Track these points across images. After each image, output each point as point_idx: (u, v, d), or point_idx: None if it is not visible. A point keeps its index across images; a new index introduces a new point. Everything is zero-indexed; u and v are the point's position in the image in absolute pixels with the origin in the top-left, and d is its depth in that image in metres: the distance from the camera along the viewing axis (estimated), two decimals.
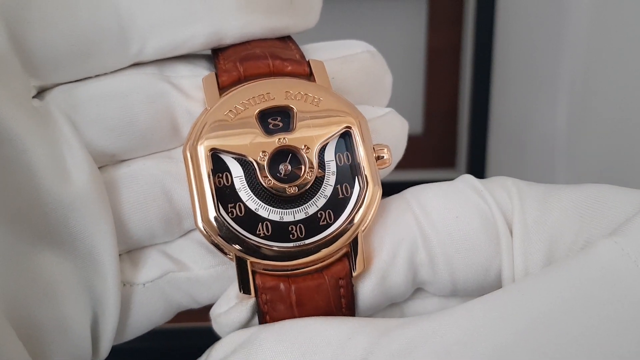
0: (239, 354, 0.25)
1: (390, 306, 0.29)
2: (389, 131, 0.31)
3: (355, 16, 1.03)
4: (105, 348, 0.29)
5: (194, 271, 0.29)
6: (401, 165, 0.32)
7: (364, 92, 0.31)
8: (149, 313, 0.29)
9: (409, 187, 0.29)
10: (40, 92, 0.29)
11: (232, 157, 0.27)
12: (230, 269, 0.28)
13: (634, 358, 0.21)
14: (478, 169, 0.99)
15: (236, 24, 0.29)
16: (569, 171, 0.83)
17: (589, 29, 0.78)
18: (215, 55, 0.30)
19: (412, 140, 0.33)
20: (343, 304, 0.27)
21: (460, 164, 1.07)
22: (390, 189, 0.29)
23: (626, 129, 0.72)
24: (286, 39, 0.31)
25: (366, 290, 0.27)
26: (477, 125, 1.00)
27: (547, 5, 0.86)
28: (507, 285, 0.25)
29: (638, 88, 0.70)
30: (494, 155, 1.00)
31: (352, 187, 0.27)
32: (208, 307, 0.29)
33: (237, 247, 0.26)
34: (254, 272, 0.26)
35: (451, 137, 1.08)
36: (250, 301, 0.27)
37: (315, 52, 0.31)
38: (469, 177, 0.28)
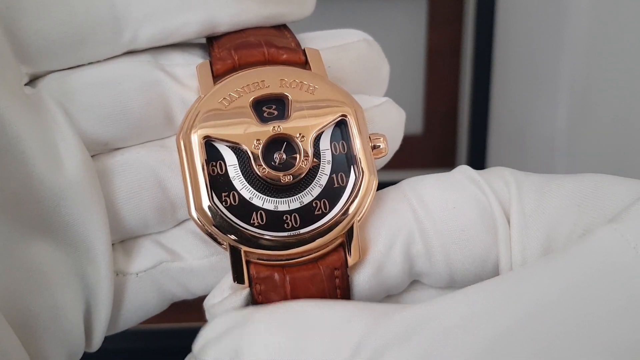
0: (231, 335, 0.25)
1: (386, 298, 0.28)
2: (385, 121, 0.30)
3: (355, 16, 1.03)
4: (98, 338, 0.29)
5: (187, 261, 0.29)
6: (401, 165, 0.32)
7: (361, 81, 0.31)
8: (142, 303, 0.29)
9: None
10: (33, 80, 0.29)
11: (226, 146, 0.27)
12: (224, 259, 0.28)
13: (635, 345, 0.21)
14: (478, 169, 0.99)
15: (230, 12, 0.29)
16: (568, 171, 0.83)
17: (589, 29, 0.77)
18: (210, 44, 0.30)
19: (412, 140, 0.33)
20: (338, 294, 0.26)
21: (460, 164, 1.06)
22: None
23: (626, 129, 0.72)
24: (282, 28, 0.31)
25: (362, 280, 0.27)
26: (477, 125, 1.00)
27: (547, 5, 0.86)
28: (507, 272, 0.25)
29: (638, 88, 0.70)
30: (494, 156, 1.00)
31: (348, 176, 0.27)
32: None
33: (231, 236, 0.26)
34: (248, 262, 0.26)
35: (451, 137, 1.09)
36: (244, 292, 0.26)
37: (311, 40, 0.31)
38: (466, 168, 0.28)
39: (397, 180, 0.28)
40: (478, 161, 1.00)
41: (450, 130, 1.08)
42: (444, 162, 1.09)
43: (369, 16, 1.04)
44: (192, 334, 0.26)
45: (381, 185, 0.28)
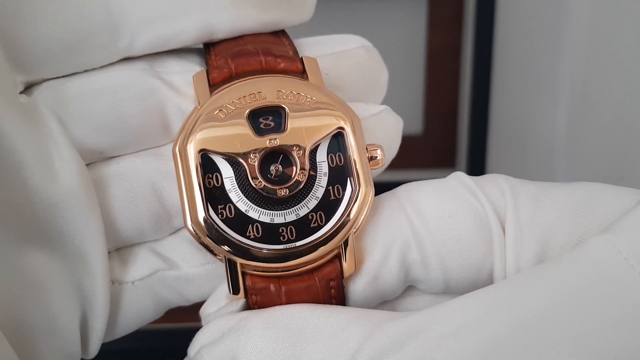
0: (227, 340, 0.25)
1: (381, 304, 0.28)
2: (383, 130, 0.30)
3: (355, 16, 1.03)
4: (94, 346, 0.29)
5: (183, 269, 0.29)
6: (401, 165, 0.32)
7: (359, 88, 0.31)
8: (138, 311, 0.29)
9: None
10: (28, 88, 0.28)
11: (222, 158, 0.27)
12: (220, 266, 0.28)
13: (625, 355, 0.21)
14: (478, 169, 0.99)
15: (228, 18, 0.29)
16: (568, 171, 0.83)
17: (589, 29, 0.77)
18: (207, 51, 0.30)
19: (412, 140, 0.32)
20: (333, 304, 0.26)
21: (460, 164, 1.07)
22: (389, 189, 0.29)
23: (626, 129, 0.72)
24: (280, 34, 0.30)
25: (357, 290, 0.27)
26: (477, 125, 1.00)
27: (547, 5, 0.86)
28: (500, 281, 0.25)
29: (638, 88, 0.70)
30: (494, 155, 1.00)
31: (344, 188, 0.27)
32: None
33: (227, 248, 0.26)
34: (243, 273, 0.26)
35: (451, 137, 1.09)
36: (240, 301, 0.27)
37: (310, 46, 0.31)
38: (462, 175, 0.28)
39: (398, 181, 0.28)
40: (478, 161, 1.00)
41: (450, 130, 1.08)
42: (444, 162, 1.09)
43: (369, 16, 1.04)
44: (192, 334, 0.26)
45: (379, 186, 0.28)
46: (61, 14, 0.27)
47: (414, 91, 1.08)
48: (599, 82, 0.77)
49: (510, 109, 0.97)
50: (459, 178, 0.28)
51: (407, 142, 0.32)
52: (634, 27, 0.69)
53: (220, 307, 0.27)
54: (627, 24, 0.71)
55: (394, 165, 0.32)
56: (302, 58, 0.29)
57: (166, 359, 0.58)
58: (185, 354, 0.27)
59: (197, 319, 0.28)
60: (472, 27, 0.97)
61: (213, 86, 0.28)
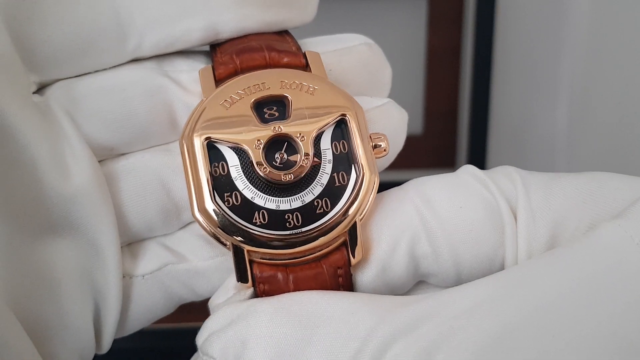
0: (236, 326, 0.25)
1: None
2: (386, 121, 0.31)
3: (355, 16, 1.03)
4: (107, 340, 0.29)
5: (193, 263, 0.29)
6: (401, 165, 0.32)
7: (362, 84, 0.31)
8: (149, 305, 0.30)
9: None
10: (41, 88, 0.29)
11: (228, 147, 0.27)
12: (229, 259, 0.28)
13: (636, 340, 0.21)
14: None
15: (232, 18, 0.29)
16: (568, 171, 0.83)
17: (589, 29, 0.78)
18: (213, 50, 0.30)
19: (412, 140, 0.33)
20: None
21: (460, 164, 1.07)
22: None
23: (626, 129, 0.72)
24: (283, 33, 0.31)
25: (366, 280, 0.27)
26: (477, 125, 1.00)
27: (547, 5, 0.86)
28: (512, 267, 0.25)
29: (638, 88, 0.70)
30: (494, 156, 1.00)
31: (349, 175, 0.27)
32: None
33: (234, 235, 0.26)
34: (251, 262, 0.27)
35: (451, 137, 1.09)
36: (248, 291, 0.27)
37: (312, 45, 0.31)
38: (471, 167, 0.28)
39: (398, 181, 0.28)
40: (478, 161, 1.00)
41: (450, 130, 1.08)
42: (444, 162, 1.09)
43: (369, 16, 1.04)
44: (194, 334, 0.27)
45: (381, 185, 0.28)
46: (72, 17, 0.28)
47: (414, 91, 1.08)
48: (599, 82, 0.77)
49: (510, 109, 0.97)
50: (468, 171, 0.28)
51: (407, 142, 0.32)
52: (634, 27, 0.69)
53: (229, 297, 0.27)
54: (627, 24, 0.71)
55: (394, 165, 0.33)
56: (305, 52, 0.30)
57: (168, 359, 0.58)
58: (186, 355, 0.28)
59: (201, 319, 0.28)
60: (472, 27, 0.98)
61: (218, 81, 0.29)
